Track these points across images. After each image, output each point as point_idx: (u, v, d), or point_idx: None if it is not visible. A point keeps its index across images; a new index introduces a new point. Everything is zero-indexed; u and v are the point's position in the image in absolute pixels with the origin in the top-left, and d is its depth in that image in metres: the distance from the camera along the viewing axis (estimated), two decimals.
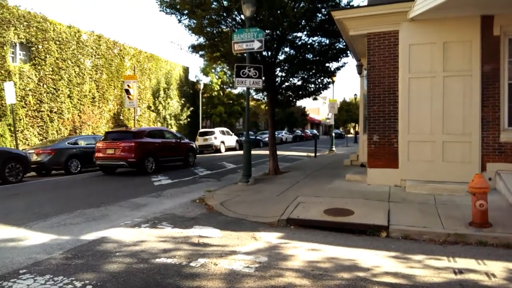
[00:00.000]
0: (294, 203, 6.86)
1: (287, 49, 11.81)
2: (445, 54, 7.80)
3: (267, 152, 12.69)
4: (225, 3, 10.19)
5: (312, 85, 12.36)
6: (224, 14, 10.39)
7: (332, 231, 5.45)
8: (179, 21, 11.07)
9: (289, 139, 40.41)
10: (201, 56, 12.15)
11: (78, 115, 20.64)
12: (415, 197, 7.09)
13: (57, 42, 19.33)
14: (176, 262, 4.18)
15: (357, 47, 10.42)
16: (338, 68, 12.47)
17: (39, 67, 18.41)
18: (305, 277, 3.73)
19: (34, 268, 4.01)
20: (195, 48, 11.64)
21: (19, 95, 17.10)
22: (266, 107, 15.68)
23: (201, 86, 30.74)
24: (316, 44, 11.63)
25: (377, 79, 8.44)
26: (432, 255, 4.37)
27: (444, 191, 7.33)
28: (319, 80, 12.35)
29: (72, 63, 20.23)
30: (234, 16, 10.53)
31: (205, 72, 35.91)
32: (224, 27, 10.83)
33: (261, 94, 13.86)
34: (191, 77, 33.20)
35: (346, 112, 63.07)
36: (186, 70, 31.80)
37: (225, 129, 28.11)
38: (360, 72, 13.44)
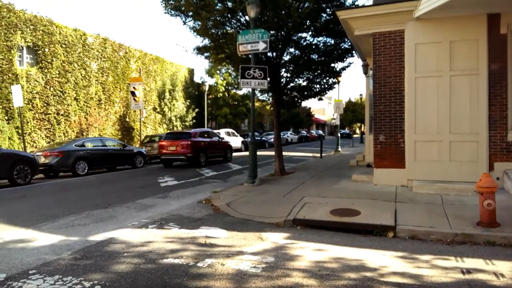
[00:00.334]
0: (300, 203, 6.86)
1: (292, 50, 11.82)
2: (452, 53, 7.76)
3: (272, 153, 12.69)
4: (229, 4, 10.22)
5: (317, 86, 12.34)
6: (229, 15, 10.42)
7: (339, 232, 5.44)
8: (184, 23, 11.11)
9: (294, 139, 40.37)
10: (206, 57, 12.18)
11: (85, 118, 20.79)
12: (422, 197, 7.05)
13: (63, 45, 19.50)
14: (183, 263, 4.20)
15: (362, 47, 10.39)
16: (343, 68, 12.42)
17: (46, 70, 18.58)
18: (312, 277, 3.73)
19: (44, 269, 4.05)
20: (200, 50, 11.68)
21: (26, 98, 17.27)
22: (271, 108, 15.68)
23: (206, 88, 30.82)
24: (321, 44, 11.63)
25: (383, 79, 8.41)
26: (440, 255, 4.35)
27: (452, 191, 7.28)
28: (324, 81, 12.32)
29: (78, 66, 20.39)
30: (238, 17, 10.56)
31: (210, 73, 36.02)
32: (229, 29, 10.86)
33: (266, 95, 13.86)
34: (196, 79, 33.35)
35: (351, 113, 62.88)
36: (191, 72, 31.92)
37: (230, 130, 28.15)
38: (366, 72, 13.41)
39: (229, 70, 33.02)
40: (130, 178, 12.91)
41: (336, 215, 5.98)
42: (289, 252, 4.55)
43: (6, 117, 16.64)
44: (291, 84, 12.10)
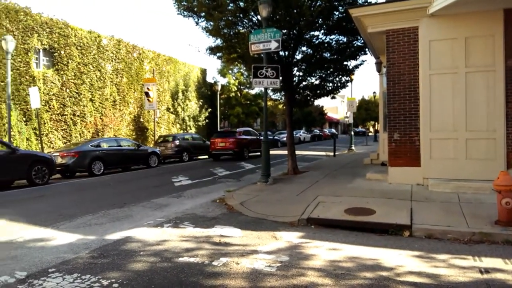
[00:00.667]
0: (314, 202, 6.85)
1: (304, 48, 11.78)
2: (467, 50, 7.63)
3: (285, 152, 12.68)
4: (241, 4, 10.25)
5: (330, 84, 12.28)
6: (241, 15, 10.45)
7: (353, 231, 5.42)
8: (197, 23, 11.18)
9: (307, 138, 40.21)
10: (218, 57, 12.24)
11: (100, 118, 21.10)
12: (438, 196, 6.96)
13: (79, 47, 19.81)
14: (198, 261, 4.24)
15: (375, 44, 10.30)
16: (356, 66, 12.32)
17: (62, 72, 18.90)
18: (327, 277, 3.73)
19: (63, 267, 4.14)
20: (212, 50, 11.74)
21: (43, 100, 17.60)
22: (284, 107, 15.65)
23: (219, 87, 30.96)
24: (334, 42, 11.56)
25: (397, 76, 8.33)
26: (457, 254, 4.30)
27: (468, 189, 7.17)
28: (337, 79, 12.25)
29: (93, 67, 20.69)
30: (250, 17, 10.58)
31: (222, 73, 36.13)
32: (241, 28, 10.88)
33: (278, 94, 13.84)
34: (209, 79, 33.46)
35: (365, 111, 62.27)
36: (203, 72, 32.07)
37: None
38: (379, 70, 13.28)
39: (241, 70, 33.08)
40: (145, 177, 13.06)
41: (350, 214, 5.96)
42: (303, 251, 4.55)
43: (24, 119, 17.00)
44: (304, 83, 12.06)
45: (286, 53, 11.00)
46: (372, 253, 4.41)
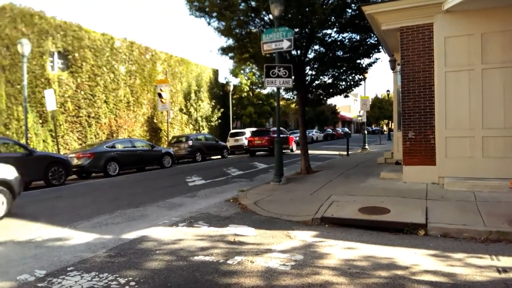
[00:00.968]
0: (328, 201, 6.82)
1: (316, 47, 11.72)
2: (483, 46, 7.49)
3: (298, 151, 12.65)
4: (253, 3, 10.26)
5: (343, 83, 12.20)
6: (252, 14, 10.47)
7: (368, 230, 5.39)
8: (209, 23, 11.24)
9: (320, 137, 40.03)
10: (230, 57, 12.29)
11: (115, 120, 21.38)
12: (454, 195, 6.86)
13: (92, 50, 20.10)
14: (213, 260, 4.28)
15: (389, 41, 10.20)
16: (369, 64, 12.20)
17: (76, 75, 19.21)
18: (342, 275, 3.72)
19: (81, 266, 4.22)
20: (224, 50, 11.79)
21: (58, 102, 17.90)
22: (296, 106, 15.61)
23: (231, 88, 31.04)
24: (347, 40, 11.47)
25: (412, 74, 8.23)
26: (474, 253, 4.24)
27: (485, 187, 7.05)
28: (350, 77, 12.17)
29: (107, 69, 20.98)
30: (262, 16, 10.58)
31: (234, 73, 36.18)
32: (253, 28, 10.90)
33: (291, 93, 13.82)
34: (221, 79, 33.56)
35: (378, 109, 61.69)
36: (215, 73, 32.21)
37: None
38: (393, 68, 13.14)
39: (253, 70, 33.10)
40: (159, 178, 13.20)
41: (364, 213, 5.92)
42: (318, 250, 4.54)
43: (40, 121, 17.34)
44: (316, 82, 12.02)
45: (298, 52, 10.97)
46: (387, 252, 4.38)
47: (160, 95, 21.65)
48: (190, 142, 20.17)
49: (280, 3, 8.90)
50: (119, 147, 15.33)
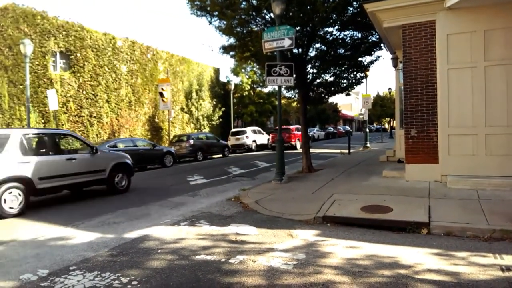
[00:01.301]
0: (330, 200, 6.80)
1: (318, 45, 11.67)
2: (486, 43, 7.45)
3: (299, 150, 12.62)
4: (254, 2, 10.23)
5: (345, 81, 12.14)
6: (254, 13, 10.43)
7: (370, 229, 5.37)
8: (210, 22, 11.22)
9: (321, 136, 39.98)
10: (231, 56, 12.25)
11: (116, 119, 21.40)
12: (457, 193, 6.83)
13: (94, 49, 20.11)
14: (215, 259, 4.27)
15: (391, 39, 10.15)
16: (371, 62, 12.15)
17: (78, 74, 19.23)
18: (345, 274, 3.70)
19: (83, 265, 4.22)
20: (225, 49, 11.77)
21: (61, 102, 17.93)
22: (298, 105, 15.60)
23: (232, 87, 31.01)
24: (348, 38, 11.41)
25: (414, 72, 8.19)
26: (477, 252, 4.22)
27: (488, 185, 7.01)
28: (352, 75, 12.11)
29: (109, 69, 20.99)
30: (263, 14, 10.55)
31: (235, 72, 36.14)
32: (254, 27, 10.87)
33: (292, 91, 13.79)
34: (222, 78, 33.54)
35: (380, 107, 61.45)
36: (216, 71, 32.19)
37: (256, 128, 28.28)
38: (395, 65, 13.08)
39: (254, 68, 33.06)
40: (161, 177, 13.19)
41: (367, 211, 5.90)
42: (320, 249, 4.53)
43: (43, 121, 17.37)
44: (318, 80, 11.97)
45: (300, 50, 10.93)
46: (390, 251, 4.36)
47: (161, 94, 21.65)
48: (192, 141, 20.18)
49: (281, 2, 8.87)
50: (121, 146, 15.34)
